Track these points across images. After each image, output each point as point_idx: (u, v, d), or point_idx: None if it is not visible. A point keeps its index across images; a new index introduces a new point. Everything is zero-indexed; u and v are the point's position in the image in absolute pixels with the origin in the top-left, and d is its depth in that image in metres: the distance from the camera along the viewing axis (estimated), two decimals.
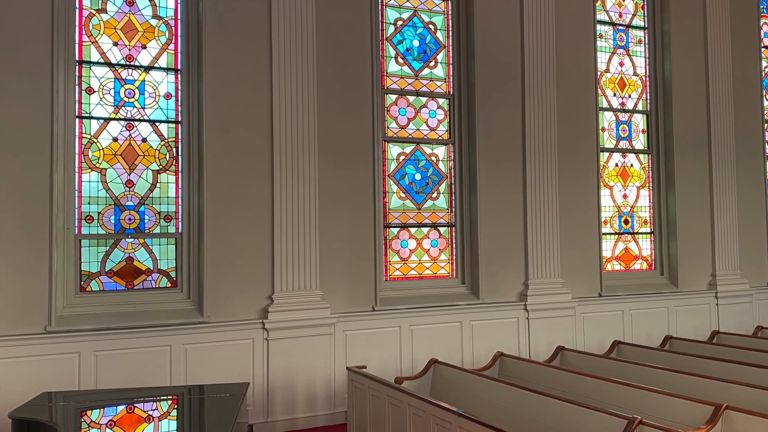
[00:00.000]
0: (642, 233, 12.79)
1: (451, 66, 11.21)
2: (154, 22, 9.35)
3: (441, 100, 11.10)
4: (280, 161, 9.49)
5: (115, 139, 9.00)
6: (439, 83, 11.10)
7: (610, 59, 12.80)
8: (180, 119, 9.35)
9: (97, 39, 9.02)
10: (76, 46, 8.89)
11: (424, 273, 10.81)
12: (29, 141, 8.34)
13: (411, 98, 10.87)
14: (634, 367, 8.43)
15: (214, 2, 9.35)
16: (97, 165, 8.89)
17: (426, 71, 11.02)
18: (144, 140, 9.15)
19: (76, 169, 8.77)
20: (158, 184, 9.19)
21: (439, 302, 10.51)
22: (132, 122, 9.10)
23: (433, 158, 10.95)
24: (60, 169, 8.55)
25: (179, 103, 9.37)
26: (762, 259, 13.69)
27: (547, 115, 11.41)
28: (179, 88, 9.38)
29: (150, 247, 9.11)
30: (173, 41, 9.42)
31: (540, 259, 11.19)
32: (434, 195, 10.92)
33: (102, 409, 6.49)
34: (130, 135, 9.08)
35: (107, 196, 8.92)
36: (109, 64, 9.06)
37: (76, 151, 8.78)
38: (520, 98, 11.31)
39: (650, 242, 12.86)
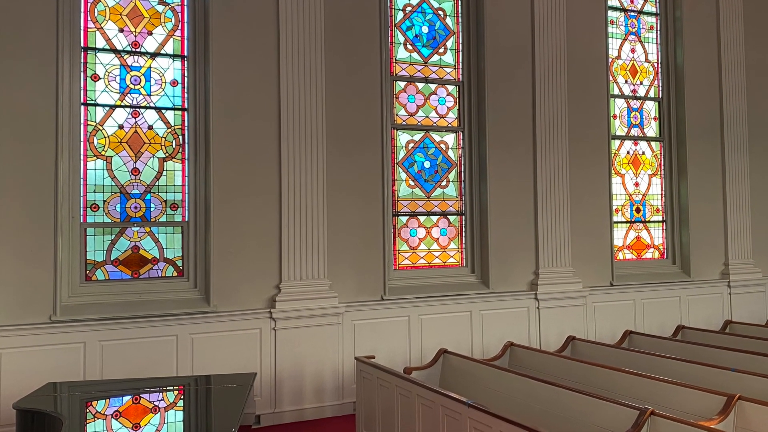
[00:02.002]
0: (654, 222, 12.69)
1: (460, 52, 11.11)
2: (160, 8, 9.27)
3: (450, 87, 11.00)
4: (287, 149, 9.42)
5: (120, 127, 8.94)
6: (448, 70, 11.00)
7: (621, 46, 12.68)
8: (186, 106, 9.28)
9: (102, 25, 8.95)
10: (82, 32, 8.83)
11: (434, 262, 10.74)
12: (34, 128, 8.28)
13: (420, 85, 10.78)
14: (645, 357, 8.36)
15: None
16: (103, 153, 8.82)
17: (435, 58, 10.93)
18: (150, 127, 9.08)
19: (82, 157, 8.71)
20: (164, 172, 9.13)
21: (449, 291, 10.45)
22: (138, 109, 9.04)
23: (443, 146, 10.86)
24: (65, 156, 8.50)
25: (186, 90, 9.30)
26: None
27: (557, 102, 11.31)
28: (186, 74, 9.31)
29: (156, 235, 9.05)
30: (180, 27, 9.35)
31: (551, 248, 11.11)
32: (444, 183, 10.83)
33: (107, 400, 6.47)
34: (136, 122, 9.02)
35: (113, 184, 8.86)
36: (114, 50, 8.99)
37: (82, 139, 8.73)
38: (530, 85, 11.22)
39: (662, 231, 12.77)
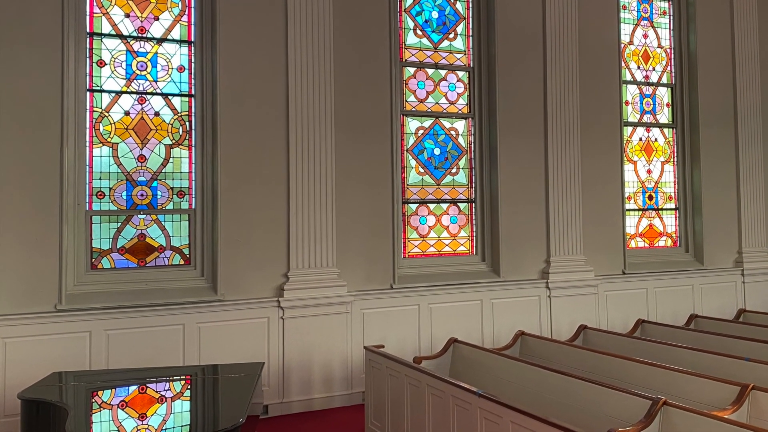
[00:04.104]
0: (666, 209, 12.61)
1: (470, 38, 11.01)
2: None
3: (461, 73, 10.91)
4: (295, 136, 9.35)
5: (126, 113, 8.87)
6: (458, 56, 10.91)
7: (633, 31, 12.58)
8: (193, 92, 9.20)
9: (108, 10, 8.87)
10: (87, 17, 8.75)
11: (444, 250, 10.66)
12: (39, 115, 8.22)
13: (430, 71, 10.70)
14: (658, 347, 8.29)
15: None
16: (109, 139, 8.76)
17: (445, 43, 10.83)
18: (156, 114, 9.01)
19: (87, 144, 8.64)
20: (171, 159, 9.06)
21: (459, 280, 10.38)
22: (144, 95, 8.97)
23: (453, 132, 10.77)
24: (70, 143, 8.43)
25: (192, 76, 9.22)
26: None
27: (569, 89, 11.22)
28: (192, 60, 9.24)
29: (163, 223, 8.99)
30: (186, 12, 9.27)
31: (562, 236, 11.03)
32: (454, 170, 10.75)
33: (113, 390, 6.46)
34: (142, 109, 8.94)
35: (119, 171, 8.79)
36: (120, 36, 8.92)
37: (87, 125, 8.65)
38: (541, 71, 11.12)
39: (675, 218, 12.68)
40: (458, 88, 10.87)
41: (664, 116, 12.76)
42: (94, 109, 8.71)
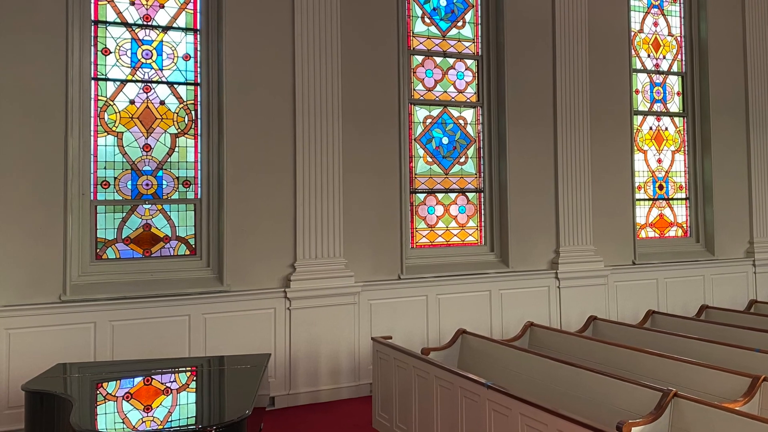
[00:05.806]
0: (677, 199, 12.54)
1: (479, 26, 10.94)
2: None
3: (469, 62, 10.83)
4: (302, 125, 9.29)
5: (132, 102, 8.81)
6: (467, 44, 10.83)
7: (644, 19, 12.49)
8: (199, 81, 9.15)
9: None
10: (92, 5, 8.70)
11: (452, 240, 10.60)
12: (43, 103, 8.17)
13: (438, 59, 10.62)
14: (668, 338, 8.25)
15: None
16: (114, 128, 8.70)
17: (453, 31, 10.75)
18: (162, 103, 8.96)
19: (92, 133, 8.60)
20: (177, 149, 9.02)
21: (467, 270, 10.33)
22: (149, 84, 8.92)
23: (461, 121, 10.70)
24: (75, 132, 8.39)
25: (198, 65, 9.17)
26: None
27: (579, 77, 11.14)
28: (198, 48, 9.19)
29: (168, 213, 8.95)
30: (192, 0, 9.18)
31: (571, 226, 10.96)
32: (462, 159, 10.68)
33: (118, 381, 6.43)
34: (147, 97, 8.89)
35: (124, 160, 8.75)
36: (125, 24, 8.86)
37: (92, 114, 8.60)
38: (551, 59, 11.05)
39: (686, 208, 12.62)
40: (467, 77, 10.80)
41: (675, 105, 12.68)
42: (99, 97, 8.66)
